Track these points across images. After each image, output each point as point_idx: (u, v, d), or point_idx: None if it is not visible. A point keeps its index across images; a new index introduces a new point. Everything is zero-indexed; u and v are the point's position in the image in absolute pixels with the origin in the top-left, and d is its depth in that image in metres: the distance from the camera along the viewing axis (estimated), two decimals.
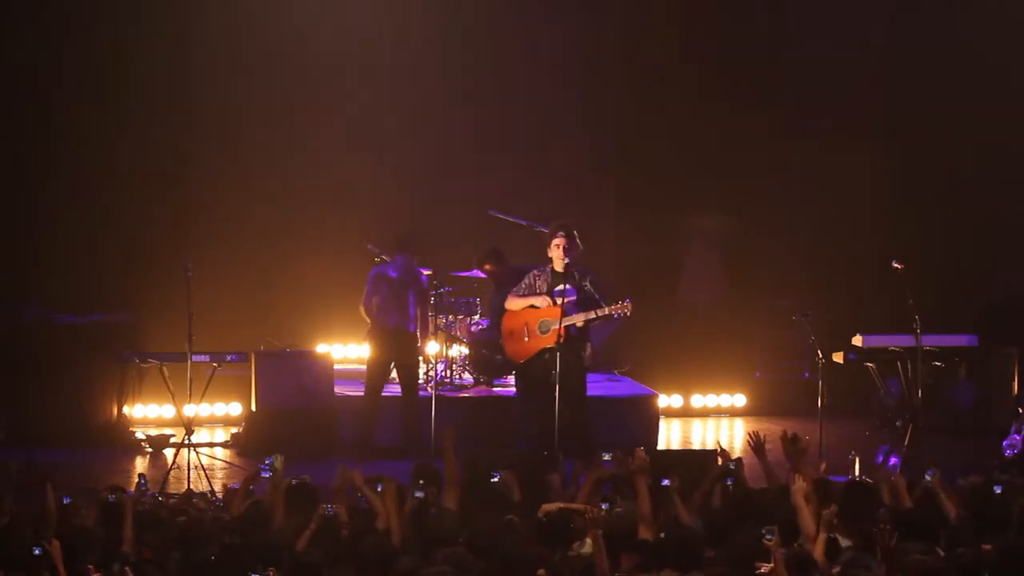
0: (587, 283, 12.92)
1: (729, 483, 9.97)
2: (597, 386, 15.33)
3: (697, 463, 11.15)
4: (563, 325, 12.65)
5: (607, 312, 12.71)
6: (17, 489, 9.42)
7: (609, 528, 8.40)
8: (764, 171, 17.77)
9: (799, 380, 16.78)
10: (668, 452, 13.84)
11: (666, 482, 9.54)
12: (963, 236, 17.36)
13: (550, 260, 13.08)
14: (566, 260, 12.94)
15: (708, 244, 16.93)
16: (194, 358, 12.80)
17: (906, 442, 12.97)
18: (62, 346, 14.67)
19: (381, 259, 15.01)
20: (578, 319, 12.78)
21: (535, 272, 13.23)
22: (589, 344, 13.07)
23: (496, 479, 10.05)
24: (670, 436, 15.58)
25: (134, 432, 14.87)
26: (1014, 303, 16.28)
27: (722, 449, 11.36)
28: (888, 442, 13.70)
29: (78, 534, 8.52)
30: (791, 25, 17.72)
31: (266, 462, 9.81)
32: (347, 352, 16.74)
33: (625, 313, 12.67)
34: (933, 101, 17.42)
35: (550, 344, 12.77)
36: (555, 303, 12.74)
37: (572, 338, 12.82)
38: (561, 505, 9.36)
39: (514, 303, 13.23)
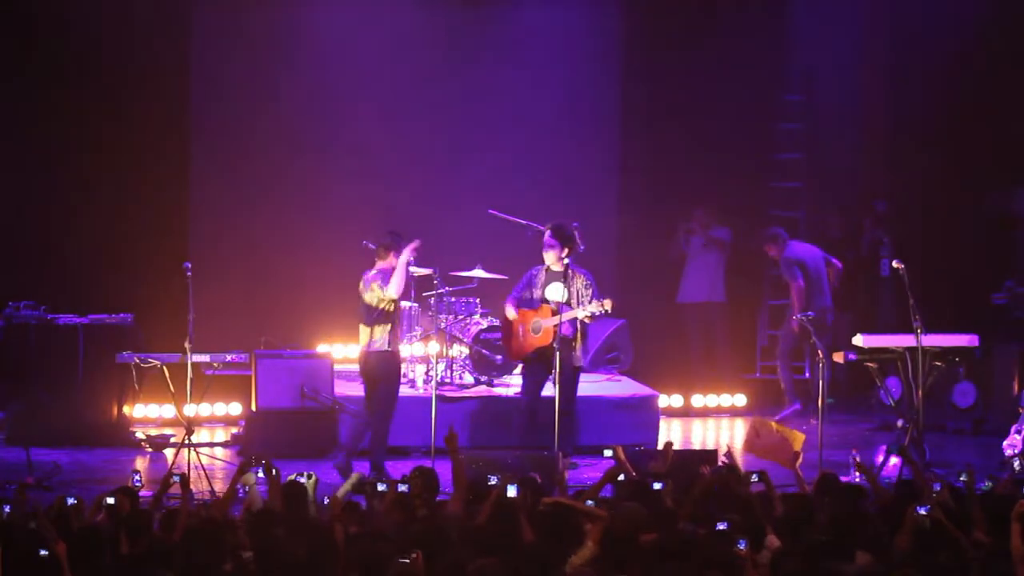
0: (581, 283, 13.10)
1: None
2: (597, 386, 15.33)
3: (697, 463, 11.15)
4: (552, 325, 13.17)
5: (588, 311, 13.09)
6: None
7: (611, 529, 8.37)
8: (762, 171, 17.79)
9: (799, 380, 16.75)
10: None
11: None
12: (965, 235, 17.34)
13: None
14: (566, 260, 13.26)
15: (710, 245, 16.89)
16: (194, 358, 12.80)
17: (906, 442, 12.94)
18: (62, 346, 14.67)
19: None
20: (565, 318, 13.15)
21: (534, 271, 13.58)
22: (579, 344, 13.25)
23: (494, 482, 10.04)
24: (670, 436, 15.53)
25: (134, 432, 14.87)
26: (1015, 302, 16.24)
27: (729, 451, 11.33)
28: (888, 442, 13.69)
29: (83, 535, 8.50)
30: (789, 26, 17.72)
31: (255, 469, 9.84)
32: (347, 352, 16.71)
33: (605, 311, 13.08)
34: (934, 99, 17.42)
35: (543, 343, 13.29)
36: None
37: (563, 338, 13.15)
38: (563, 501, 9.30)
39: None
